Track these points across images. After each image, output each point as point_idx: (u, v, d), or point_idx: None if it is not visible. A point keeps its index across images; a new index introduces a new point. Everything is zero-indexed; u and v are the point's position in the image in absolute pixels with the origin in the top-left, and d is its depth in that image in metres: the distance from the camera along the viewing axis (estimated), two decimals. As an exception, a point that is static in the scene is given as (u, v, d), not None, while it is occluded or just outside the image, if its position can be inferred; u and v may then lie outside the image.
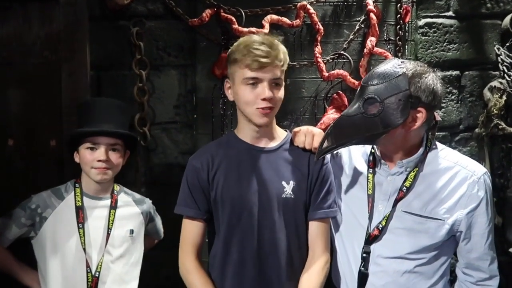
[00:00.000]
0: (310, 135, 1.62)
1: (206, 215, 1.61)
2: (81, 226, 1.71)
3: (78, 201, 1.74)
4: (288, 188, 1.58)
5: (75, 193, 1.76)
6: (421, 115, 1.47)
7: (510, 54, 2.35)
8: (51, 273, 1.70)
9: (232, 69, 1.56)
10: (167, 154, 2.24)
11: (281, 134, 1.66)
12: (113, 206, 1.78)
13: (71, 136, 1.75)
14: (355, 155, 1.70)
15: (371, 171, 1.62)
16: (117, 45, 2.16)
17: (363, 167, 1.65)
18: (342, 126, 1.52)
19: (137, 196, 1.91)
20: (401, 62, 1.50)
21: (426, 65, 1.54)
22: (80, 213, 1.73)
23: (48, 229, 1.72)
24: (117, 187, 1.85)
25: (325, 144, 1.54)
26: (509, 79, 2.32)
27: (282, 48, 1.55)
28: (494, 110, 2.32)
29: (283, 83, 1.57)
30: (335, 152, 1.73)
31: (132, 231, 1.80)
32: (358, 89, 1.55)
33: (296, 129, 1.66)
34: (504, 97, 2.32)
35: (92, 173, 1.71)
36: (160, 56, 2.21)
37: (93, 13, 2.11)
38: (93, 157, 1.70)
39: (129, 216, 1.82)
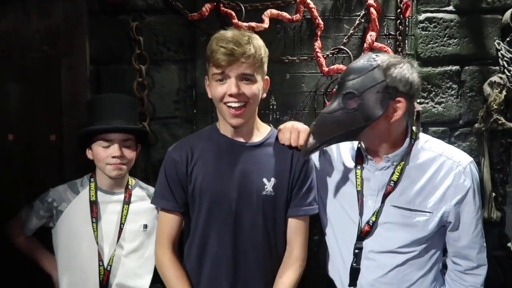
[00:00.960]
0: (296, 132, 1.61)
1: (183, 208, 1.61)
2: (94, 221, 1.75)
3: (92, 195, 1.78)
4: (269, 185, 1.57)
5: (89, 187, 1.79)
6: (402, 105, 1.48)
7: (510, 49, 2.34)
8: (66, 263, 1.75)
9: (206, 65, 1.57)
10: (167, 149, 2.23)
11: (264, 130, 1.65)
12: (127, 201, 1.81)
13: (83, 134, 1.77)
14: (343, 152, 1.71)
15: (359, 167, 1.62)
16: (117, 39, 2.16)
17: (351, 163, 1.66)
18: (325, 123, 1.53)
19: (152, 190, 1.88)
20: (375, 55, 1.51)
21: (400, 56, 1.57)
22: (94, 207, 1.77)
23: (64, 222, 1.77)
24: (132, 181, 1.87)
25: (310, 143, 1.55)
26: (509, 74, 2.31)
27: (256, 44, 1.51)
28: (494, 105, 2.32)
29: (260, 79, 1.54)
30: (324, 149, 1.73)
31: (145, 226, 1.82)
32: (336, 86, 1.56)
33: (281, 126, 1.65)
34: (504, 92, 2.32)
35: (108, 169, 1.75)
36: (160, 50, 2.20)
37: (92, 7, 2.11)
38: (107, 154, 1.74)
39: (142, 211, 1.83)
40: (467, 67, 2.41)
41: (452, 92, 2.40)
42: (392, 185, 1.55)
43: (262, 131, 1.64)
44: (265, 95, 1.62)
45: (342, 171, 1.68)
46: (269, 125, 1.69)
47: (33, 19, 2.03)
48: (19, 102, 2.05)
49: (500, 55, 2.35)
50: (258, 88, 1.54)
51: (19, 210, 1.88)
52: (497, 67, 2.39)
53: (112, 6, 2.12)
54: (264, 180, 1.57)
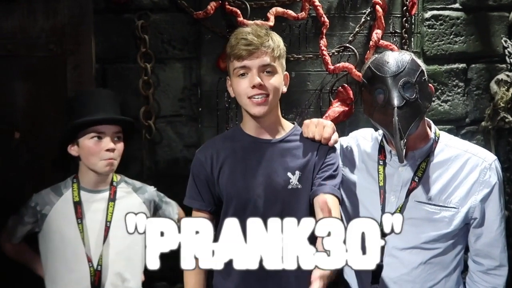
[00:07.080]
0: (321, 126, 1.61)
1: (211, 208, 1.62)
2: (80, 221, 1.70)
3: (76, 196, 1.72)
4: (294, 178, 1.57)
5: (72, 188, 1.74)
6: (433, 92, 1.57)
7: (517, 47, 2.33)
8: (54, 267, 1.71)
9: (228, 63, 1.58)
10: (172, 147, 2.24)
11: (287, 127, 1.65)
12: (112, 198, 1.75)
13: (72, 126, 1.68)
14: (364, 149, 1.70)
15: (381, 163, 1.62)
16: (122, 38, 2.16)
17: (373, 160, 1.65)
18: (404, 118, 1.45)
19: (138, 184, 1.86)
20: (398, 51, 1.59)
21: None
22: (78, 208, 1.71)
23: (49, 226, 1.72)
24: (117, 178, 1.81)
25: (402, 141, 1.45)
26: (516, 72, 2.30)
27: (273, 36, 1.55)
28: (501, 103, 2.30)
29: (280, 71, 1.56)
30: (345, 146, 1.73)
31: None
32: (378, 82, 1.50)
33: (307, 121, 1.65)
34: (511, 90, 2.30)
35: (100, 165, 1.68)
36: (165, 49, 2.20)
37: (98, 6, 2.11)
38: (100, 147, 1.67)
39: (130, 207, 1.75)
40: (473, 65, 2.40)
41: (459, 90, 2.39)
42: (417, 180, 1.55)
43: (285, 128, 1.65)
44: (285, 89, 1.62)
45: (362, 168, 1.67)
46: (293, 123, 1.69)
47: (39, 18, 2.04)
48: (25, 100, 2.06)
49: (507, 52, 2.33)
50: (278, 80, 1.55)
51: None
52: (504, 65, 2.37)
53: (117, 5, 2.12)
54: (289, 174, 1.57)
